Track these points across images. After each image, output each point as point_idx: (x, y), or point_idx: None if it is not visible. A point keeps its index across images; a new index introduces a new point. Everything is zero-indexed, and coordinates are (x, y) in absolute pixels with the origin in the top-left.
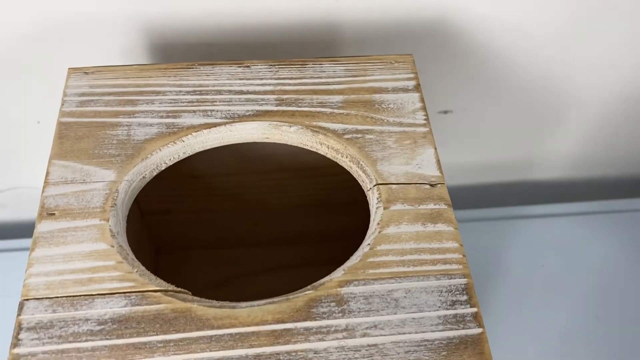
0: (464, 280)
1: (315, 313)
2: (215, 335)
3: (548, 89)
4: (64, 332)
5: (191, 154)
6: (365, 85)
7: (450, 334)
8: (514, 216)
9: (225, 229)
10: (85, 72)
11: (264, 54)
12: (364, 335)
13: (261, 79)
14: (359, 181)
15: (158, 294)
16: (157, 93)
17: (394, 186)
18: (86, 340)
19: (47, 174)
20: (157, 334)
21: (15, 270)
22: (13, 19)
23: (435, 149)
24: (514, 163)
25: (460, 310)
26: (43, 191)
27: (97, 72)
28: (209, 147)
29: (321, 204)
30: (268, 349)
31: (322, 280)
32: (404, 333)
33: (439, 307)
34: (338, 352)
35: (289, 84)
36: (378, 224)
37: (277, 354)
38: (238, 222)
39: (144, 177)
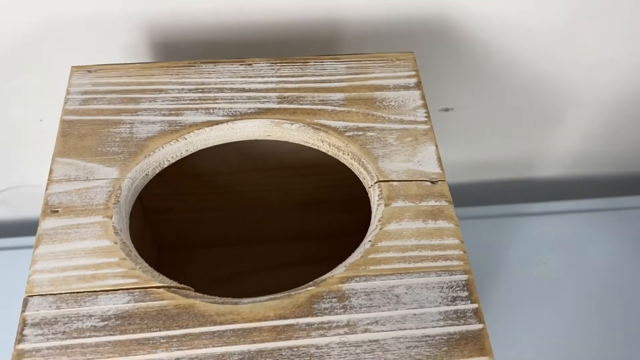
0: (464, 277)
1: (317, 309)
2: (218, 331)
3: (548, 86)
4: (68, 328)
5: (193, 151)
6: (367, 83)
7: (451, 329)
8: (514, 213)
9: (227, 227)
10: (88, 70)
11: (265, 52)
12: (366, 330)
13: (263, 76)
14: (360, 178)
15: (161, 290)
16: (160, 91)
17: (395, 183)
18: (90, 336)
19: (51, 171)
20: (160, 330)
21: (19, 268)
22: (15, 19)
23: (436, 146)
24: (515, 160)
25: (461, 306)
26: (47, 188)
27: (100, 70)
28: (211, 145)
29: (322, 202)
30: (270, 345)
31: (323, 277)
32: (405, 329)
33: (440, 303)
34: (339, 347)
35: (291, 82)
36: (379, 220)
37: (279, 349)
38: (240, 220)
39: (146, 174)
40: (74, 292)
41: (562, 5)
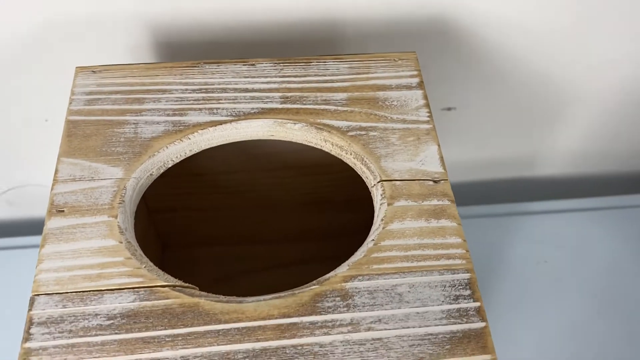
0: (467, 275)
1: (321, 307)
2: (223, 329)
3: (550, 86)
4: (74, 327)
5: (197, 151)
6: (369, 83)
7: (454, 327)
8: (516, 212)
9: (230, 227)
10: (92, 71)
11: (267, 52)
12: (369, 329)
13: (266, 76)
14: (363, 178)
15: (166, 289)
16: (164, 91)
17: (397, 182)
18: (96, 335)
19: (56, 171)
20: (165, 329)
21: (24, 267)
22: (18, 19)
23: (439, 145)
24: (517, 159)
25: (464, 305)
26: (52, 188)
27: (105, 71)
28: (214, 145)
29: (325, 201)
30: (274, 343)
31: (327, 276)
32: (408, 327)
33: (443, 301)
34: (343, 345)
35: (294, 82)
36: (382, 220)
37: (283, 347)
38: (243, 220)
39: (151, 174)
40: (79, 291)
41: (563, 5)
